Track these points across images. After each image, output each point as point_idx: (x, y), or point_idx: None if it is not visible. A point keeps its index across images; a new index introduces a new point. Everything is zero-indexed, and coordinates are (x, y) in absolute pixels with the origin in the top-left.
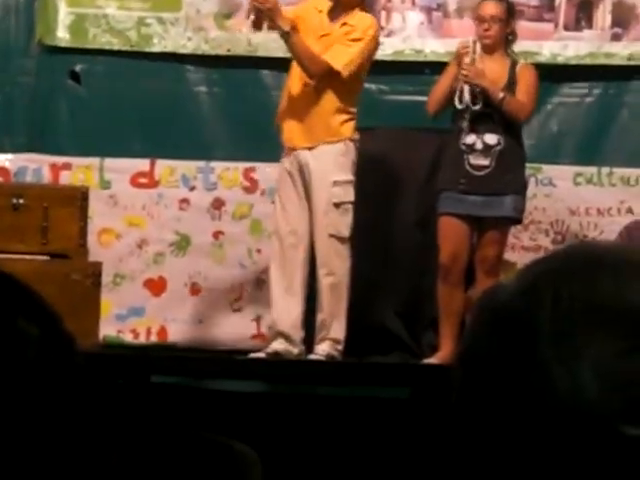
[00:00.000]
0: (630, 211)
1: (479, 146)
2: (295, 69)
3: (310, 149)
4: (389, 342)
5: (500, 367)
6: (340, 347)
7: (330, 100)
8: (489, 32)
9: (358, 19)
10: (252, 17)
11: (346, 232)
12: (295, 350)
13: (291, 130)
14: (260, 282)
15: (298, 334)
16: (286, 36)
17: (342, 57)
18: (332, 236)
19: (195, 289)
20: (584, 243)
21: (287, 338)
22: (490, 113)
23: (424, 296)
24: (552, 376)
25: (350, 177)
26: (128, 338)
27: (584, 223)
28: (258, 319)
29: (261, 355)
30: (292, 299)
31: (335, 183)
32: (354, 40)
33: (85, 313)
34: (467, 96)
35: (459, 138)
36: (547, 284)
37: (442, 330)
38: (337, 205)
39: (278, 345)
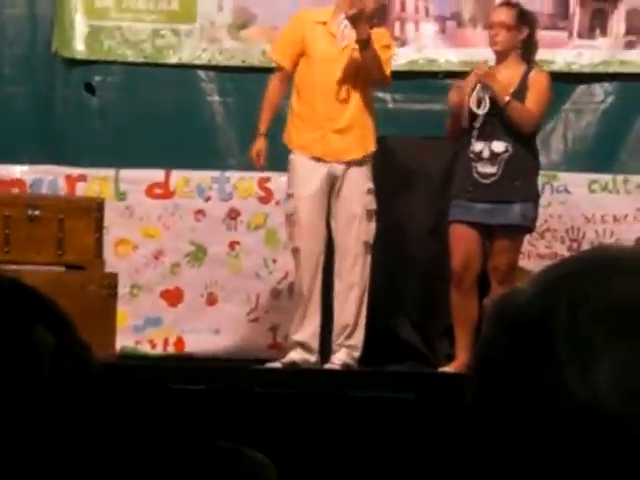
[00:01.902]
0: None
1: (486, 154)
2: (320, 81)
3: (347, 161)
4: (404, 351)
5: (516, 372)
6: (358, 354)
7: (364, 110)
8: (497, 38)
9: (376, 31)
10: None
11: (372, 240)
12: (313, 358)
13: (325, 143)
14: (276, 292)
15: (316, 343)
16: (365, 43)
17: (386, 65)
18: (365, 243)
19: (211, 299)
20: (599, 247)
21: (306, 347)
22: (499, 121)
23: (439, 304)
24: (568, 381)
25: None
26: (146, 349)
27: (600, 230)
28: (274, 329)
29: (277, 365)
30: (311, 308)
31: (368, 191)
32: (386, 47)
33: (101, 324)
34: (487, 98)
35: (468, 146)
36: (562, 289)
37: (457, 339)
38: (369, 213)
39: (295, 355)
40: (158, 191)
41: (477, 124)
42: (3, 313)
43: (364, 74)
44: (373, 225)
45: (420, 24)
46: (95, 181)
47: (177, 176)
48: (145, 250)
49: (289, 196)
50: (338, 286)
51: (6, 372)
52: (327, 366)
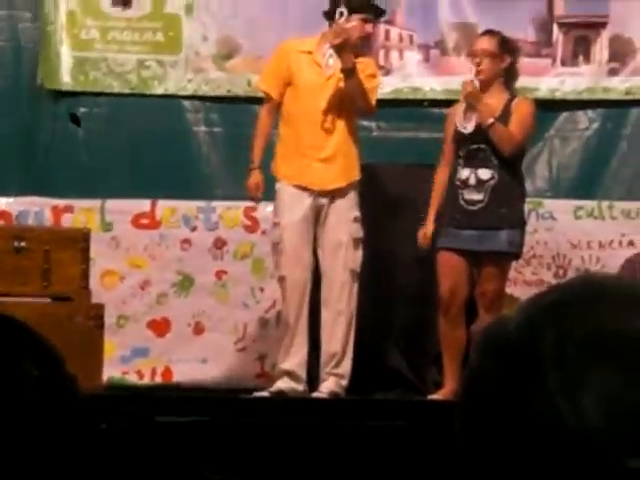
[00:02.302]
0: (631, 244)
1: (472, 181)
2: (306, 110)
3: (332, 190)
4: (392, 379)
5: (505, 399)
6: (346, 382)
7: (349, 139)
8: (481, 66)
9: (361, 60)
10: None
11: (359, 268)
12: (300, 387)
13: (310, 172)
14: (264, 321)
15: (304, 371)
16: (350, 72)
17: (371, 94)
18: (352, 271)
19: (199, 329)
20: (585, 276)
21: (294, 376)
22: (485, 148)
23: (427, 332)
24: (556, 407)
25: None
26: (133, 379)
27: (586, 256)
28: (262, 358)
29: (265, 394)
30: (298, 337)
31: (355, 219)
32: (372, 76)
33: (88, 355)
34: (472, 117)
35: (455, 173)
36: (550, 316)
37: (445, 366)
38: (356, 241)
39: (283, 384)
40: (144, 221)
41: (463, 152)
42: None
43: (349, 103)
44: (360, 253)
45: (404, 53)
46: (81, 212)
47: (163, 206)
48: (131, 280)
49: (275, 225)
50: (325, 314)
51: None
52: (315, 395)
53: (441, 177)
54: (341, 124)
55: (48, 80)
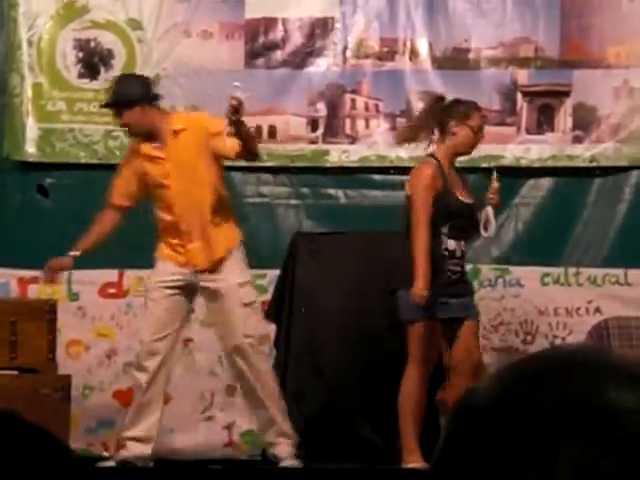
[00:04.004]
0: (598, 311)
1: (458, 253)
2: (174, 192)
3: (213, 262)
4: (363, 448)
5: (477, 472)
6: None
7: (219, 210)
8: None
9: (185, 117)
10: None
11: (262, 330)
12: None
13: (187, 252)
14: (231, 389)
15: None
16: (240, 126)
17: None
18: (248, 337)
19: (165, 398)
20: (557, 347)
21: (144, 440)
22: (470, 224)
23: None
24: (530, 478)
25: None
26: (98, 451)
27: (553, 323)
28: (230, 427)
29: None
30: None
31: (240, 284)
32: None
33: (55, 427)
34: (493, 220)
35: (440, 243)
36: (522, 388)
37: (409, 432)
38: (248, 305)
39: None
40: (111, 291)
41: (451, 223)
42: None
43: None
44: (257, 316)
45: (370, 121)
46: (47, 283)
47: (130, 275)
48: (98, 350)
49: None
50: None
51: None
52: (285, 464)
53: (428, 242)
54: (207, 199)
55: (13, 152)
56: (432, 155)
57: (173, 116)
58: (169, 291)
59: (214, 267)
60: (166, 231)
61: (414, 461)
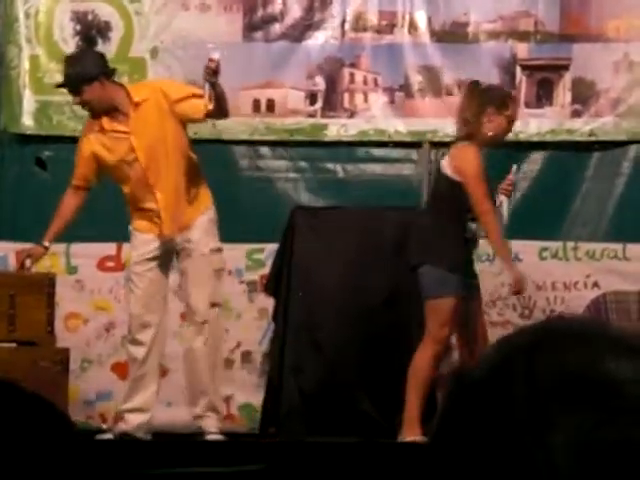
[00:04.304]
0: (596, 285)
1: (475, 236)
2: (144, 164)
3: (186, 227)
4: (362, 422)
5: (475, 443)
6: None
7: (189, 176)
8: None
9: (145, 87)
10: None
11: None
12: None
13: (163, 222)
14: (230, 362)
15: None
16: (217, 87)
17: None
18: (215, 305)
19: (162, 371)
20: (554, 318)
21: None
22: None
23: (398, 376)
24: (527, 448)
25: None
26: (97, 424)
27: (551, 298)
28: (227, 399)
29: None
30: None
31: (212, 251)
32: (184, 99)
33: (53, 400)
34: (505, 212)
35: (460, 224)
36: (519, 359)
37: (414, 405)
38: (217, 272)
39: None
40: (110, 264)
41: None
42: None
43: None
44: (222, 285)
45: (369, 95)
46: (46, 256)
47: (128, 248)
48: (96, 323)
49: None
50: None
51: None
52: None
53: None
54: (176, 166)
55: (10, 124)
56: (469, 139)
57: (132, 88)
58: (151, 263)
59: (188, 227)
60: (139, 203)
61: (414, 434)
